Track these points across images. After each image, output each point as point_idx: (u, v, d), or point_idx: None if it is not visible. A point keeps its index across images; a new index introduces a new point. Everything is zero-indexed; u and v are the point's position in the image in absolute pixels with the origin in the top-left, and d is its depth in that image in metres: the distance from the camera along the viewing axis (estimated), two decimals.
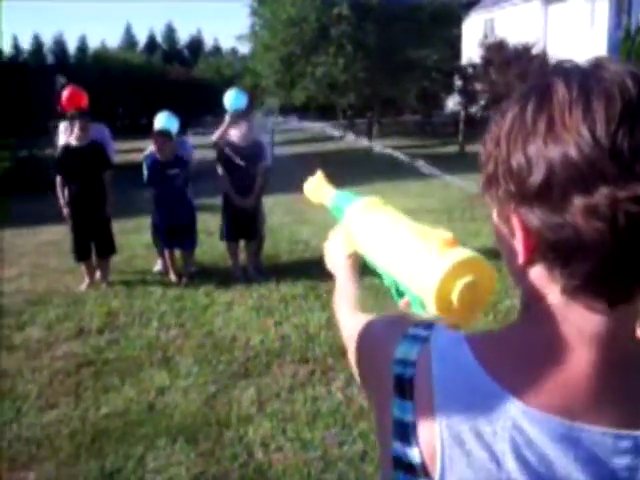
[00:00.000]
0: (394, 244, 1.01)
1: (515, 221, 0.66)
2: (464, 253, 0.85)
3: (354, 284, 1.18)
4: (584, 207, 0.59)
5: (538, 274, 0.67)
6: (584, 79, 0.63)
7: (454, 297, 0.84)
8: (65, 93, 6.87)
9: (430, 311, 0.90)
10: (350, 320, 1.04)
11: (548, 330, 0.67)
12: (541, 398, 0.66)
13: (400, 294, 1.03)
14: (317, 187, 1.39)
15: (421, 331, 0.75)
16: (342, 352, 4.38)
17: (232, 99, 6.60)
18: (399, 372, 0.72)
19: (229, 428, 3.55)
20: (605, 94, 0.60)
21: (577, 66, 0.66)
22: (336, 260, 1.25)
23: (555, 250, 0.63)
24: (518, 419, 0.65)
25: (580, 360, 0.66)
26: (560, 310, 0.66)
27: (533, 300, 0.69)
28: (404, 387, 0.72)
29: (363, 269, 1.20)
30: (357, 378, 0.91)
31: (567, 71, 0.66)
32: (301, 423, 3.56)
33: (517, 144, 0.64)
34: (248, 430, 3.51)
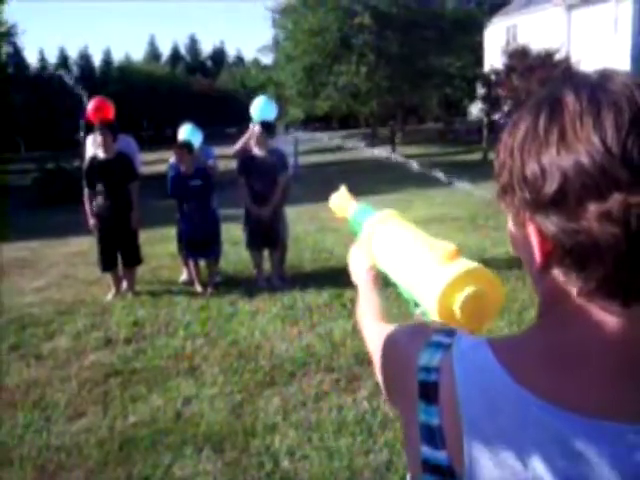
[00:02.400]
0: (403, 256, 1.04)
1: (531, 228, 0.68)
2: (464, 265, 0.86)
3: (377, 295, 1.21)
4: (599, 213, 0.61)
5: (555, 278, 0.69)
6: (593, 91, 0.65)
7: (456, 309, 0.85)
8: (92, 105, 6.95)
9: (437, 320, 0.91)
10: (374, 331, 1.06)
11: (567, 331, 0.69)
12: (563, 396, 0.67)
13: (417, 305, 1.05)
14: (341, 201, 1.43)
15: (443, 338, 0.77)
16: (367, 361, 4.38)
17: (261, 108, 6.62)
18: (423, 378, 0.74)
19: (255, 437, 3.57)
20: (614, 105, 0.63)
21: (586, 78, 0.69)
22: (359, 272, 1.29)
23: (571, 255, 0.65)
24: (542, 418, 0.67)
25: (599, 359, 0.68)
26: (577, 312, 0.68)
27: (551, 303, 0.71)
28: (429, 392, 0.73)
29: (387, 280, 1.22)
30: (382, 388, 0.92)
31: (576, 83, 0.68)
32: (327, 432, 3.56)
33: (531, 154, 0.67)
34: (274, 439, 3.52)
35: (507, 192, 0.71)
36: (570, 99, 0.66)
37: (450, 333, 0.78)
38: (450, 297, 0.85)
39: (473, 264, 0.89)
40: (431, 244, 0.97)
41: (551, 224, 0.65)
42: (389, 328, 0.95)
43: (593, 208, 0.61)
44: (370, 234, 1.21)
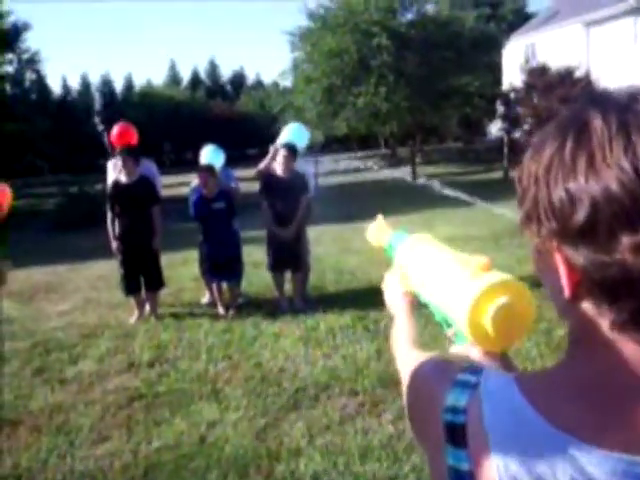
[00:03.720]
0: (435, 275, 1.01)
1: (558, 258, 0.65)
2: (497, 276, 0.83)
3: (411, 321, 1.20)
4: (632, 244, 0.58)
5: (585, 310, 0.66)
6: (621, 113, 0.62)
7: (487, 321, 0.82)
8: (115, 130, 7.02)
9: (468, 339, 0.89)
10: (406, 357, 1.05)
11: (599, 366, 0.66)
12: (598, 435, 0.64)
13: (449, 326, 1.03)
14: (378, 231, 1.42)
15: (470, 377, 0.74)
16: (392, 383, 4.34)
17: (293, 133, 6.67)
18: (450, 420, 0.72)
19: (280, 461, 3.53)
20: None
21: (613, 100, 0.66)
22: (393, 298, 1.28)
23: (602, 287, 0.62)
24: (576, 458, 0.63)
25: (634, 394, 0.64)
26: (609, 345, 0.65)
27: (581, 335, 0.68)
28: (456, 435, 0.71)
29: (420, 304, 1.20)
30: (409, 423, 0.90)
31: (603, 105, 0.65)
32: (352, 456, 3.51)
33: (557, 182, 0.64)
34: (299, 463, 3.48)
35: (532, 220, 0.68)
36: (598, 123, 0.62)
37: (476, 371, 0.75)
38: (481, 308, 0.81)
39: (505, 275, 0.87)
40: (463, 260, 0.94)
41: (580, 256, 0.62)
42: (421, 356, 0.93)
43: (626, 240, 0.58)
44: (403, 259, 1.20)
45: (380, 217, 1.45)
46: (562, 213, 0.63)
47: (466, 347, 0.98)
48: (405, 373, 0.96)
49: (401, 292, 1.25)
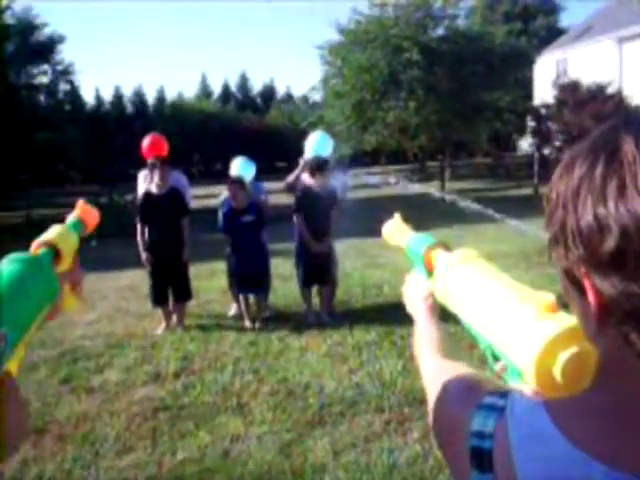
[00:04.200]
0: (488, 305, 0.95)
1: (587, 284, 0.63)
2: (567, 321, 0.77)
3: (435, 326, 1.14)
4: None
5: (613, 337, 0.64)
6: None
7: (557, 371, 0.77)
8: (147, 141, 7.07)
9: (529, 385, 0.83)
10: (430, 365, 1.02)
11: (627, 393, 0.65)
12: (625, 461, 0.63)
13: (496, 357, 0.97)
14: (395, 230, 1.38)
15: (497, 400, 0.73)
16: (419, 401, 4.28)
17: (317, 144, 6.63)
18: (476, 444, 0.71)
19: (304, 479, 3.48)
20: None
21: None
22: (415, 301, 1.22)
23: (631, 316, 0.60)
24: None
25: None
26: (637, 373, 0.64)
27: (609, 362, 0.66)
28: (482, 460, 0.70)
29: (443, 315, 1.15)
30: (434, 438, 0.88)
31: (636, 129, 0.62)
32: (378, 475, 3.46)
33: (586, 207, 0.62)
34: None
35: (559, 243, 0.66)
36: (629, 147, 0.60)
37: (503, 395, 0.74)
38: (551, 355, 0.76)
39: (573, 319, 0.81)
40: (523, 292, 0.89)
41: (610, 285, 0.60)
42: (446, 364, 0.92)
43: None
44: (445, 273, 1.12)
45: (397, 216, 1.41)
46: (590, 240, 0.61)
47: (520, 386, 0.93)
48: (429, 384, 0.94)
49: (423, 295, 1.19)
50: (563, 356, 0.76)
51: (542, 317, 0.80)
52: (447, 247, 1.19)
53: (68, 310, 1.12)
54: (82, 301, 1.18)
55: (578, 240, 0.62)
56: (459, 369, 0.90)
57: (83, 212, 1.34)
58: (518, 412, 0.70)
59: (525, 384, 0.88)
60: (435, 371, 0.93)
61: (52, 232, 1.15)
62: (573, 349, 0.76)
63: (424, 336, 1.13)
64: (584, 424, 0.66)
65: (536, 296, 0.84)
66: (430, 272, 1.19)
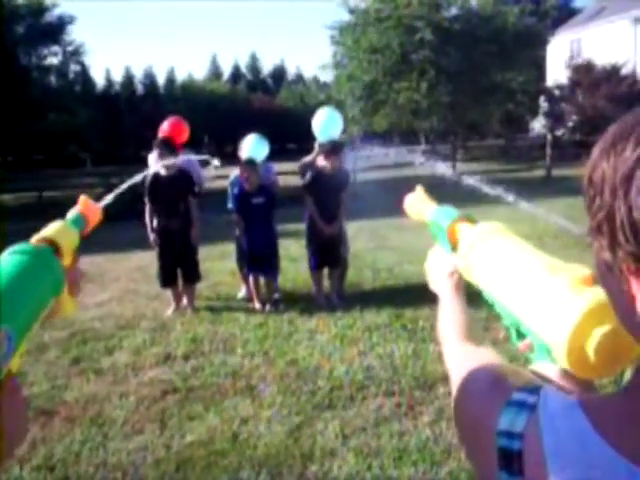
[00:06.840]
0: (518, 279, 0.87)
1: (634, 283, 0.56)
2: (604, 296, 0.70)
3: (459, 304, 1.08)
4: None
5: None
6: None
7: (590, 348, 0.70)
8: (171, 124, 6.98)
9: (559, 363, 0.77)
10: (455, 350, 0.96)
11: None
12: None
13: (520, 335, 0.91)
14: (417, 203, 1.32)
15: (527, 397, 0.67)
16: (429, 384, 4.24)
17: (326, 124, 6.54)
18: (505, 445, 0.65)
19: (313, 462, 3.46)
20: None
21: None
22: (439, 277, 1.16)
23: None
24: None
25: None
26: None
27: None
28: (512, 461, 0.64)
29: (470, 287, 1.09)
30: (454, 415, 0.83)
31: None
32: (387, 459, 3.43)
33: None
34: (333, 465, 3.41)
35: (603, 234, 0.58)
36: None
37: (534, 390, 0.67)
38: (586, 331, 0.69)
39: None
40: (556, 266, 0.81)
41: None
42: (473, 354, 0.85)
43: None
44: (468, 247, 1.05)
45: (420, 188, 1.34)
46: None
47: (548, 367, 0.86)
48: (453, 372, 0.88)
49: (448, 270, 1.12)
50: (598, 332, 0.69)
51: (577, 290, 0.73)
52: (472, 220, 1.13)
53: (66, 311, 1.06)
54: (77, 304, 1.12)
55: (629, 234, 0.55)
56: (485, 357, 0.84)
57: (85, 207, 1.28)
58: (552, 411, 0.64)
59: (553, 363, 0.81)
60: (460, 359, 0.87)
61: (52, 228, 1.11)
62: (609, 326, 0.69)
63: (449, 317, 1.07)
64: (624, 425, 0.60)
65: (570, 268, 0.77)
66: (454, 246, 1.13)
